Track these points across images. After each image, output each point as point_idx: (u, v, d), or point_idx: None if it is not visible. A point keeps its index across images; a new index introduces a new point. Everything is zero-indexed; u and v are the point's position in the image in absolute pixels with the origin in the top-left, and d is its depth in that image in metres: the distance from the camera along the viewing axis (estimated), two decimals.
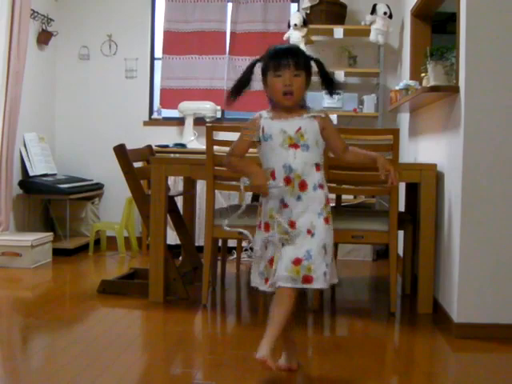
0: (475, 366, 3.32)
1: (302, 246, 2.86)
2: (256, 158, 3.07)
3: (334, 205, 4.93)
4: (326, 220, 2.93)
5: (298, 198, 2.89)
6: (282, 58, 2.89)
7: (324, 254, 2.87)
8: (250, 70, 3.00)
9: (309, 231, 2.88)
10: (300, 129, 2.90)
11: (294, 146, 2.89)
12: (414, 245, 4.58)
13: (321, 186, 2.93)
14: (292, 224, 2.88)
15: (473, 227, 3.67)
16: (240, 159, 3.05)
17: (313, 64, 2.99)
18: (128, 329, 3.87)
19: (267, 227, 2.94)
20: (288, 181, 2.88)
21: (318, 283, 2.86)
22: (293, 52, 2.94)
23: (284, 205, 2.90)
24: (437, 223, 4.21)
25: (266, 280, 2.91)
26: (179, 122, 6.70)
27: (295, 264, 2.84)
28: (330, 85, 3.06)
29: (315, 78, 3.03)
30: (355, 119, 6.33)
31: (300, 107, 2.96)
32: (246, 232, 3.06)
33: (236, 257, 5.55)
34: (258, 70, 3.00)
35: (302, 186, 2.90)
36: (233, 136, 4.78)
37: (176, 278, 4.44)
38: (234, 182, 4.29)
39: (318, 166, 2.93)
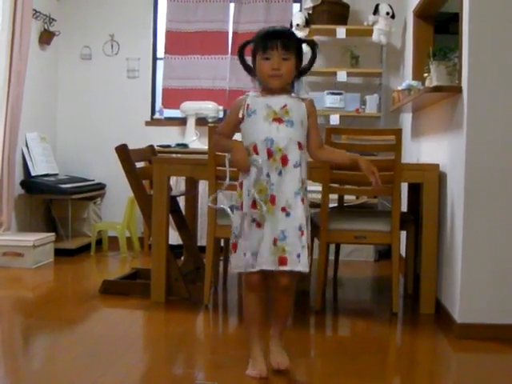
0: (477, 367, 3.31)
1: (276, 225, 2.82)
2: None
3: (336, 205, 4.95)
4: (303, 200, 2.85)
5: (280, 172, 2.84)
6: (271, 40, 2.83)
7: (300, 235, 2.81)
8: (240, 54, 2.95)
9: (283, 209, 2.82)
10: (286, 105, 2.88)
11: (278, 120, 2.86)
12: (417, 245, 4.57)
13: (300, 165, 2.86)
14: (272, 199, 2.82)
15: (475, 227, 3.67)
16: (225, 138, 3.02)
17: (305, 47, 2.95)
18: (130, 329, 3.87)
19: (254, 205, 2.84)
20: (270, 154, 2.83)
21: (292, 265, 2.80)
22: (283, 35, 2.87)
23: (267, 175, 2.83)
24: (439, 223, 4.20)
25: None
26: (181, 122, 6.70)
27: (275, 244, 2.81)
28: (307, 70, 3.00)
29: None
30: (357, 119, 6.33)
31: (287, 91, 2.92)
32: (228, 210, 2.96)
33: None
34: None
35: (284, 160, 2.84)
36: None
37: (178, 278, 4.43)
38: (235, 182, 4.29)
39: (300, 144, 2.87)
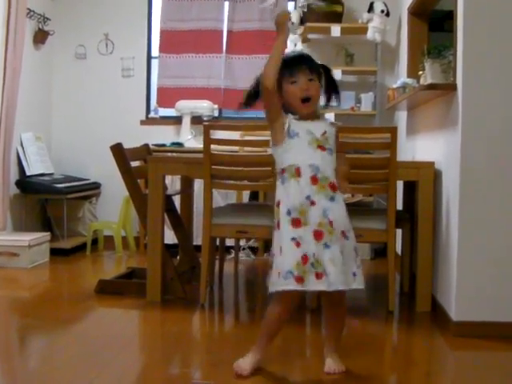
0: (473, 365, 3.31)
1: (348, 247, 2.94)
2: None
3: None
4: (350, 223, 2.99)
5: (332, 198, 2.89)
6: (295, 63, 2.90)
7: (355, 256, 2.95)
8: (257, 84, 2.95)
9: (343, 233, 2.92)
10: (325, 132, 2.93)
11: (321, 148, 2.90)
12: (412, 243, 4.58)
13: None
14: (331, 223, 2.88)
15: (471, 225, 3.67)
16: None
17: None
18: (126, 328, 3.87)
19: (298, 223, 2.86)
20: (314, 180, 2.87)
21: (355, 284, 2.93)
22: (305, 57, 2.97)
23: (311, 202, 2.86)
24: (435, 221, 4.20)
25: (299, 278, 2.81)
26: (176, 120, 6.69)
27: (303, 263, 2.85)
28: (335, 92, 3.07)
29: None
30: (353, 117, 6.32)
31: (317, 116, 3.00)
32: None
33: (234, 256, 5.54)
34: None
35: (333, 187, 2.91)
36: (230, 135, 4.81)
37: (174, 278, 4.43)
38: (231, 181, 4.29)
39: (336, 171, 2.96)
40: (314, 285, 2.84)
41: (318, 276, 2.83)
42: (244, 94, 3.09)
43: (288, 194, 2.89)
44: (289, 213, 2.87)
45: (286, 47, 2.91)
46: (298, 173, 2.88)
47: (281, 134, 2.91)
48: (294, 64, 2.90)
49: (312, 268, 2.83)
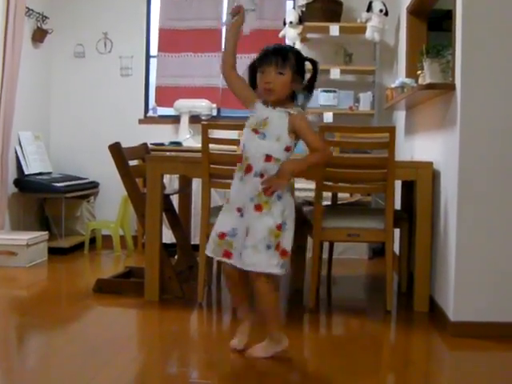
0: (471, 365, 3.32)
1: (232, 223, 3.13)
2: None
3: (329, 203, 4.94)
4: (257, 207, 3.06)
5: (241, 179, 3.12)
6: (266, 56, 3.08)
7: (245, 236, 3.06)
8: (250, 71, 3.20)
9: (239, 210, 3.11)
10: (267, 118, 3.08)
11: (255, 131, 3.08)
12: (410, 243, 4.58)
13: (261, 176, 3.06)
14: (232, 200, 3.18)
15: (469, 225, 3.67)
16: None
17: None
18: (124, 328, 3.86)
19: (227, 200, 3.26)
20: (240, 160, 3.14)
21: (235, 261, 3.10)
22: (278, 51, 3.09)
23: (240, 179, 3.15)
24: (433, 221, 4.20)
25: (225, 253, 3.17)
26: (175, 120, 6.69)
27: (220, 237, 3.14)
28: (309, 91, 3.22)
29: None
30: (351, 117, 6.32)
31: (288, 102, 3.13)
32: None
33: None
34: None
35: (247, 169, 3.09)
36: (229, 134, 4.81)
37: (171, 277, 4.43)
38: (230, 181, 4.28)
39: (269, 157, 3.06)
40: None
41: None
42: None
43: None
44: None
45: (238, 37, 3.19)
46: (240, 157, 3.17)
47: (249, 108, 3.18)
48: (266, 55, 3.09)
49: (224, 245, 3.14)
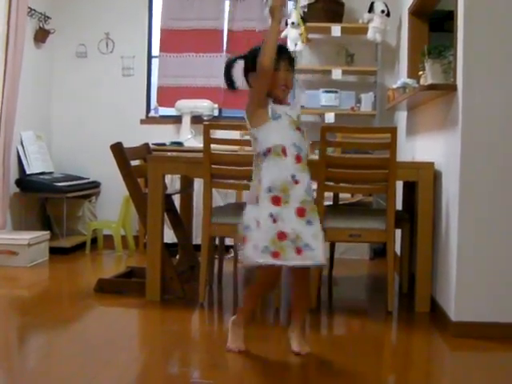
0: (472, 365, 3.32)
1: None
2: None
3: (331, 203, 4.94)
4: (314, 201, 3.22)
5: (311, 177, 3.17)
6: (279, 53, 3.08)
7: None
8: (227, 70, 3.31)
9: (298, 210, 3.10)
10: (299, 116, 3.21)
11: (298, 129, 3.14)
12: (412, 243, 4.58)
13: None
14: (314, 201, 3.20)
15: (470, 226, 3.67)
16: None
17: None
18: (125, 327, 3.87)
19: (277, 201, 3.04)
20: (299, 159, 3.09)
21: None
22: (287, 50, 3.28)
23: (296, 181, 3.07)
24: (434, 222, 4.20)
25: (275, 254, 3.01)
26: (176, 120, 6.69)
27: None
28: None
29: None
30: (353, 117, 6.33)
31: (287, 101, 3.25)
32: None
33: (233, 255, 5.54)
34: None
35: (306, 165, 3.15)
36: (230, 134, 4.81)
37: (173, 277, 4.43)
38: (231, 181, 4.29)
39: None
40: (294, 259, 3.03)
41: (299, 251, 3.02)
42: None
43: (271, 173, 3.07)
44: (269, 190, 3.05)
45: (281, 31, 3.24)
46: (284, 152, 3.07)
47: (266, 116, 3.11)
48: (278, 53, 3.08)
49: (291, 244, 3.01)
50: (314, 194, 3.28)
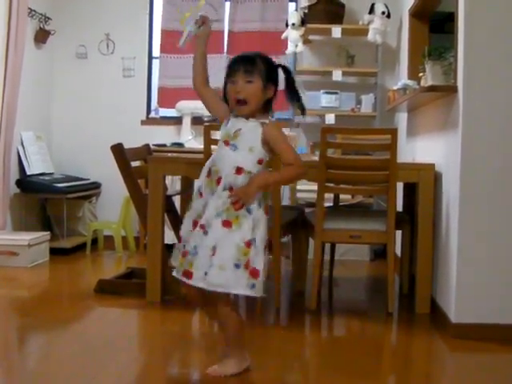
0: (472, 367, 3.31)
1: (192, 240, 2.88)
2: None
3: (331, 204, 4.94)
4: (225, 223, 2.83)
5: (213, 192, 2.89)
6: (235, 64, 2.92)
7: (211, 255, 2.81)
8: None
9: (202, 227, 2.86)
10: (240, 129, 2.89)
11: (226, 142, 2.91)
12: (412, 245, 4.58)
13: (230, 189, 2.85)
14: (200, 216, 2.91)
15: (470, 227, 3.67)
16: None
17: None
18: (125, 328, 3.87)
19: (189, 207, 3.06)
20: (209, 173, 2.92)
21: (196, 281, 2.83)
22: (247, 59, 2.92)
23: (200, 194, 2.95)
24: (435, 223, 4.21)
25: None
26: (177, 121, 6.69)
27: (182, 256, 2.91)
28: (294, 95, 3.01)
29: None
30: (353, 119, 6.33)
31: (262, 113, 2.93)
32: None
33: None
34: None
35: (217, 182, 2.88)
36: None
37: (173, 278, 4.42)
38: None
39: (239, 169, 2.86)
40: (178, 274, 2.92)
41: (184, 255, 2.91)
42: None
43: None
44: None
45: (206, 49, 3.06)
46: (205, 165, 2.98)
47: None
48: (233, 64, 2.92)
49: (179, 253, 2.97)
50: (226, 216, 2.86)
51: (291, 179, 3.09)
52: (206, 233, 2.84)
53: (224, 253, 2.80)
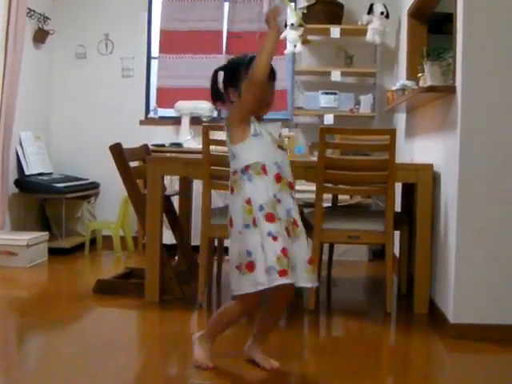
0: (470, 367, 3.32)
1: (306, 244, 2.99)
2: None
3: (330, 205, 4.95)
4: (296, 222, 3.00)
5: (292, 197, 2.98)
6: (275, 72, 3.01)
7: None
8: (214, 81, 3.28)
9: (286, 229, 2.92)
10: (281, 134, 3.04)
11: (281, 147, 2.99)
12: (410, 245, 4.58)
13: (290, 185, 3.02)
14: (295, 221, 2.96)
15: (469, 228, 3.67)
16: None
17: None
18: (123, 328, 3.87)
19: (271, 217, 2.86)
20: (278, 178, 2.93)
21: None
22: (273, 67, 2.96)
23: (278, 200, 2.91)
24: (433, 223, 4.21)
25: (282, 272, 2.81)
26: (175, 121, 6.70)
27: (310, 263, 2.96)
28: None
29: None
30: (352, 119, 6.33)
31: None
32: None
33: None
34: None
35: (291, 185, 2.99)
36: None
37: (172, 278, 4.43)
38: (229, 182, 4.28)
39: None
40: (294, 278, 2.91)
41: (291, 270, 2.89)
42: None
43: (257, 191, 2.90)
44: (261, 208, 2.87)
45: (278, 42, 2.97)
46: (264, 170, 2.91)
47: (247, 132, 2.93)
48: (274, 72, 3.01)
49: (287, 263, 2.88)
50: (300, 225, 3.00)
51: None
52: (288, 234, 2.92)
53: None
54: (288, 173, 2.98)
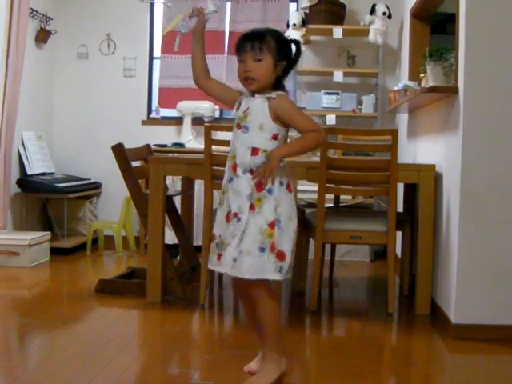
0: (473, 367, 3.32)
1: (229, 233, 2.81)
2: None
3: (332, 205, 4.95)
4: (252, 206, 2.76)
5: (230, 179, 2.83)
6: (243, 42, 2.82)
7: (240, 240, 2.76)
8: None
9: (235, 215, 2.79)
10: (248, 109, 2.83)
11: (238, 126, 2.85)
12: (412, 245, 4.58)
13: (251, 172, 2.78)
14: (228, 205, 2.83)
15: (471, 228, 3.67)
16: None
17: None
18: (125, 328, 3.87)
19: (220, 204, 2.91)
20: (229, 163, 2.87)
21: (222, 267, 2.84)
22: (256, 36, 2.81)
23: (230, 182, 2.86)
24: (435, 224, 4.21)
25: (219, 256, 2.82)
26: (177, 121, 6.70)
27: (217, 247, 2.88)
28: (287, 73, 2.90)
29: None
30: (354, 119, 6.33)
31: (271, 89, 2.83)
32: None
33: None
34: None
35: (234, 168, 2.82)
36: (231, 136, 4.81)
37: (174, 278, 4.43)
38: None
39: (255, 150, 2.79)
40: (213, 264, 2.87)
41: (219, 257, 2.84)
42: None
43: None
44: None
45: (203, 41, 3.00)
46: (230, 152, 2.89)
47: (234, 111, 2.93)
48: (241, 42, 2.83)
49: (216, 249, 2.87)
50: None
51: (310, 146, 2.87)
52: (239, 219, 2.77)
53: (249, 237, 2.75)
54: (240, 152, 2.81)
